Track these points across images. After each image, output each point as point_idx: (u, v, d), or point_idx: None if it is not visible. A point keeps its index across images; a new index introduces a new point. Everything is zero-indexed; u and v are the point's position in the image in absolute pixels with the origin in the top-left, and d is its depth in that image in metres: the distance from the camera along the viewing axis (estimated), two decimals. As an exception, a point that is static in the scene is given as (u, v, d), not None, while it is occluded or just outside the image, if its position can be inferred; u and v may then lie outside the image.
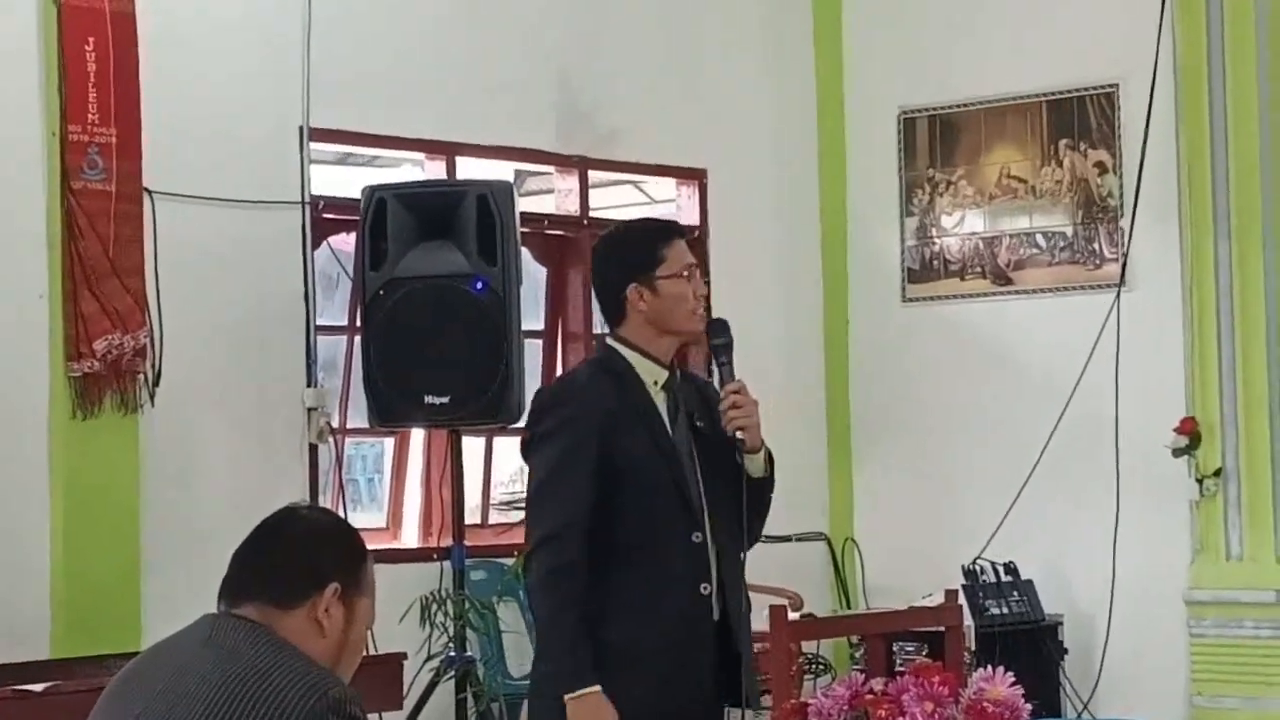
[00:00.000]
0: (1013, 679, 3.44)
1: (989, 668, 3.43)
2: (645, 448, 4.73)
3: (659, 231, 4.98)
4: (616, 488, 4.69)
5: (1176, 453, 8.67)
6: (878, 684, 3.43)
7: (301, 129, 7.75)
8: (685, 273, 4.82)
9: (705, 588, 4.70)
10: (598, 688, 4.57)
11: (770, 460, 4.82)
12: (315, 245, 7.86)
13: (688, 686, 4.68)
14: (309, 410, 7.71)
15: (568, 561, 4.64)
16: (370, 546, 3.45)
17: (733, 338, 4.93)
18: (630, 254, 4.87)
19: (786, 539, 9.19)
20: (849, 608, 9.38)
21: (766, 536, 9.18)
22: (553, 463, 4.69)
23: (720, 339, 4.89)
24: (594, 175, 9.03)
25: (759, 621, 7.18)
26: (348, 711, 3.12)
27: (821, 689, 3.62)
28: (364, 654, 3.38)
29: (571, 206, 8.86)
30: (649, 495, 4.70)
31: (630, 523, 4.69)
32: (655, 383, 4.82)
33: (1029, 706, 3.38)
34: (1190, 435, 8.67)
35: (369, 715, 3.25)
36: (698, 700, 4.73)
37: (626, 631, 4.65)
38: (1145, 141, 8.92)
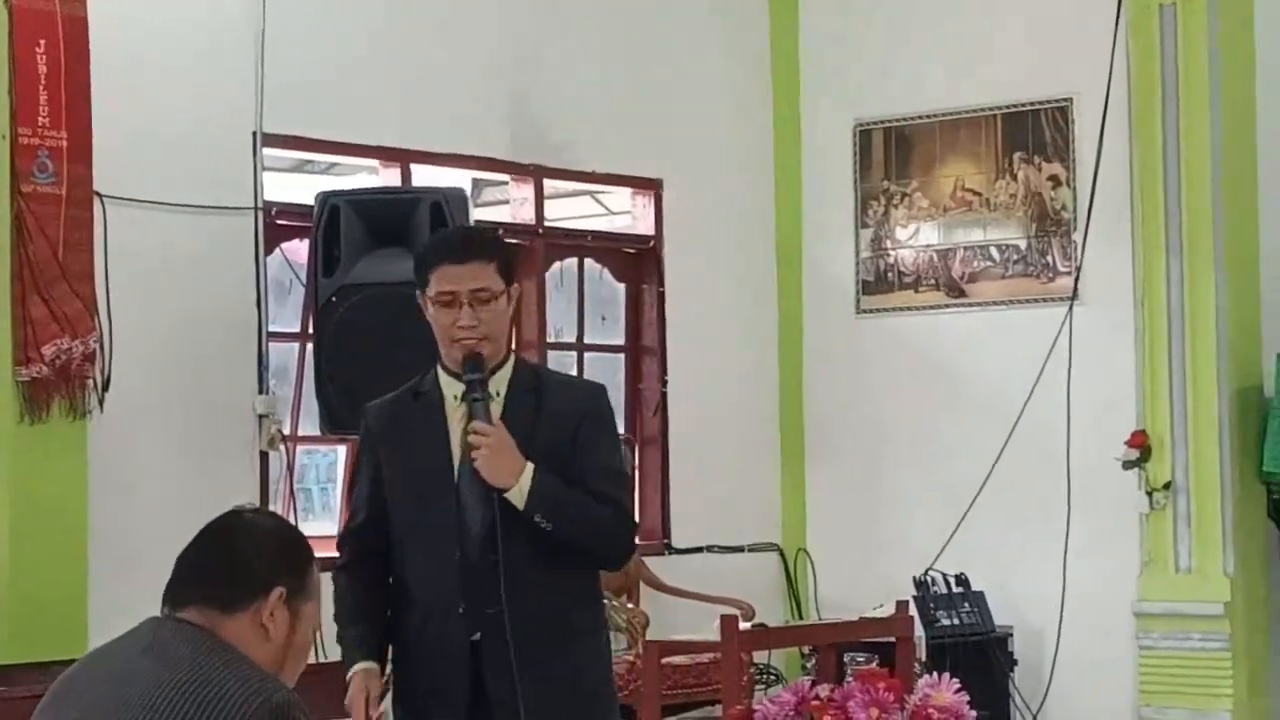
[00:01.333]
0: (958, 685, 3.44)
1: (935, 675, 3.43)
2: (418, 464, 4.66)
3: (430, 252, 4.77)
4: (391, 503, 4.69)
5: (1127, 466, 8.71)
6: (824, 690, 3.42)
7: (255, 134, 7.72)
8: (441, 301, 4.62)
9: (461, 607, 4.58)
10: (355, 669, 4.63)
11: (544, 498, 4.55)
12: (268, 251, 7.84)
13: (442, 711, 4.63)
14: (260, 417, 7.67)
15: (340, 564, 4.75)
16: (321, 554, 3.43)
17: (485, 377, 4.60)
18: (416, 267, 4.75)
19: (739, 549, 9.22)
20: (801, 618, 9.39)
21: (719, 547, 9.30)
22: (350, 474, 4.76)
23: (469, 375, 4.61)
24: (552, 186, 9.03)
25: (710, 631, 7.21)
26: (291, 716, 3.10)
27: (768, 696, 3.61)
28: (310, 660, 3.35)
29: (526, 215, 8.86)
30: (413, 510, 4.65)
31: (397, 534, 4.68)
32: (455, 397, 4.67)
33: (975, 714, 3.39)
34: (1141, 449, 8.70)
35: (313, 721, 3.22)
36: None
37: (398, 633, 4.71)
38: (1099, 156, 8.97)
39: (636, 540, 5.01)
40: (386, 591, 4.71)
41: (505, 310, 4.66)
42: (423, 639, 4.64)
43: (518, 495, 4.53)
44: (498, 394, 4.65)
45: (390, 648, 4.72)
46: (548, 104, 8.84)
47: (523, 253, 8.73)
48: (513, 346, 4.84)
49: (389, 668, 4.74)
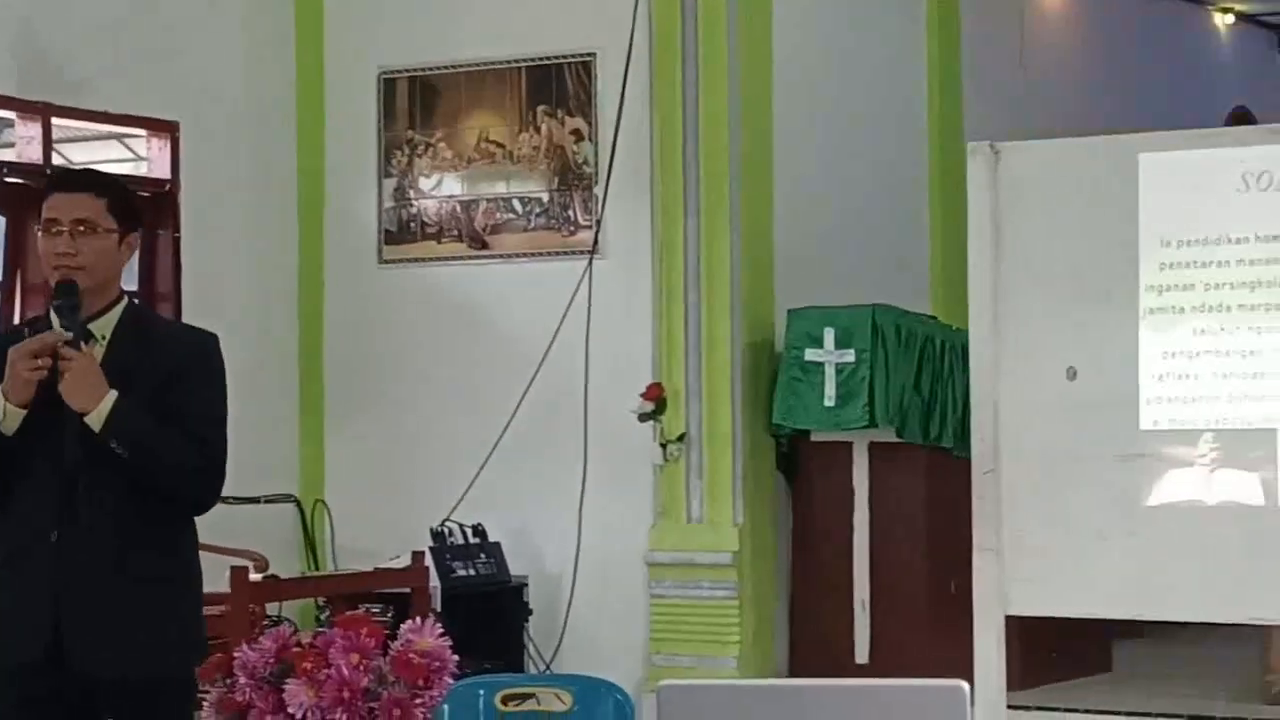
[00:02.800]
0: (441, 630, 3.43)
1: (418, 620, 3.41)
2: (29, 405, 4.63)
3: (46, 186, 4.92)
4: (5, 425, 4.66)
5: (642, 418, 8.85)
6: (305, 637, 3.38)
7: None
8: (45, 228, 4.72)
9: (54, 533, 4.60)
10: None
11: (122, 425, 4.59)
12: None
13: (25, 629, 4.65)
14: None
15: None
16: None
17: (78, 302, 4.65)
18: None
19: (255, 500, 9.07)
20: (317, 570, 9.31)
21: (234, 498, 9.10)
22: None
23: (57, 300, 4.68)
24: (75, 128, 8.74)
25: (220, 583, 7.09)
26: None
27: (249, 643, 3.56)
28: None
29: (34, 155, 8.55)
30: (21, 437, 4.63)
31: (12, 457, 4.66)
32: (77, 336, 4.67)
33: (457, 658, 3.38)
34: (656, 401, 8.85)
35: None
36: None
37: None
38: (620, 112, 9.06)
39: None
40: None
41: (113, 250, 4.72)
42: (12, 560, 4.67)
43: (95, 419, 4.56)
44: (103, 337, 4.69)
45: None
46: (58, 41, 8.55)
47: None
48: (122, 290, 4.83)
49: None
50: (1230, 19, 14.34)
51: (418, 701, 3.44)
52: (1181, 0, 13.73)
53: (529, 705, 4.31)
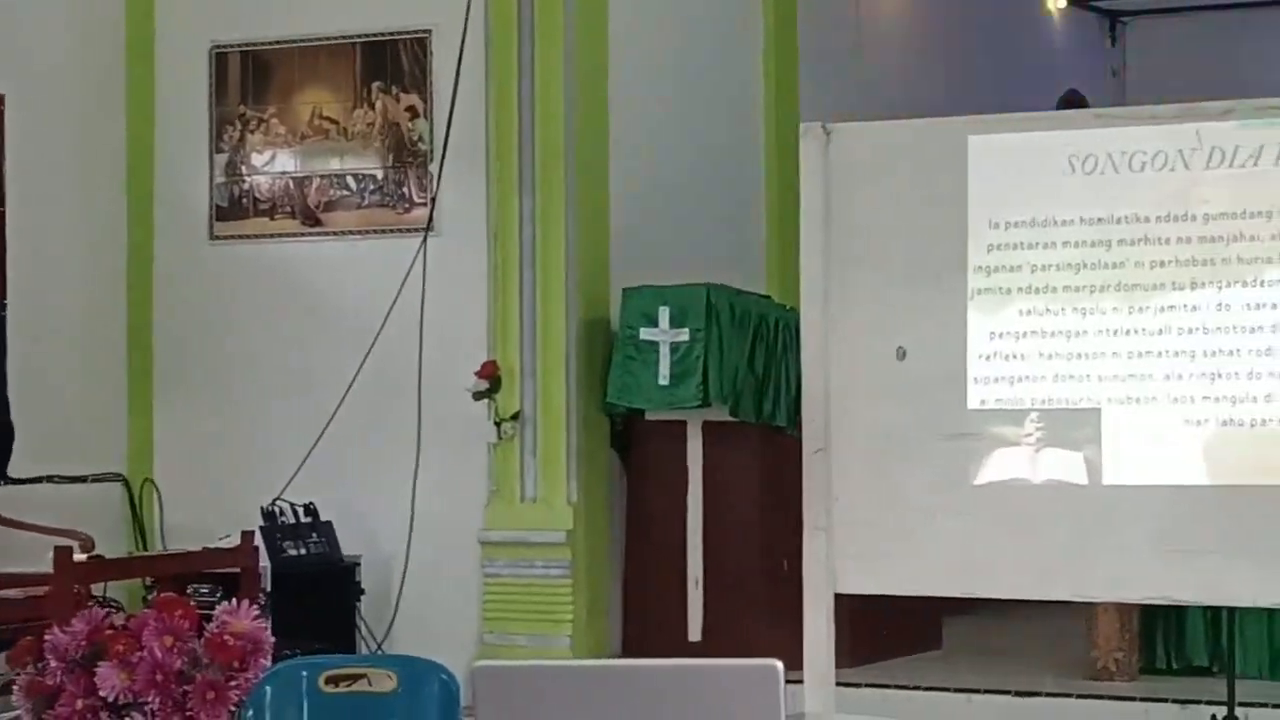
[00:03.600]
0: (256, 613, 3.39)
1: (234, 602, 3.37)
2: None
3: None
4: None
5: (477, 396, 8.82)
6: (119, 619, 3.33)
7: None
8: None
9: None
10: None
11: None
12: None
13: None
14: None
15: None
16: None
17: None
18: None
19: (81, 479, 8.93)
20: (145, 549, 9.19)
21: (60, 477, 8.97)
22: None
23: None
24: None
25: (44, 564, 6.98)
26: None
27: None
28: None
29: None
30: None
31: None
32: None
33: (274, 640, 3.34)
34: (491, 379, 8.82)
35: None
36: None
37: None
38: (455, 89, 9.01)
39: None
40: None
41: None
42: None
43: None
44: None
45: None
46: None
47: None
48: None
49: None
50: (1062, 4, 14.51)
51: (232, 684, 3.40)
52: (1015, -16, 13.87)
53: (360, 686, 4.27)
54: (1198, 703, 7.56)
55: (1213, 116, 5.96)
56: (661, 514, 8.91)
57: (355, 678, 4.27)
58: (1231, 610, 7.15)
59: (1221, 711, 7.19)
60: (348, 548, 8.85)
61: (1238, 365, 5.84)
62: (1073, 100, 14.22)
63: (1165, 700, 7.77)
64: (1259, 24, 14.62)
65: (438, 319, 8.97)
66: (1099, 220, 6.00)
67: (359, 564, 8.87)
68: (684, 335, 8.65)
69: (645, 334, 8.72)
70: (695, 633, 8.74)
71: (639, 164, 9.38)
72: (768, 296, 9.49)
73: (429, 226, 9.08)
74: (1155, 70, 14.82)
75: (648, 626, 8.91)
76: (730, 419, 8.74)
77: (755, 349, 8.83)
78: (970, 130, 6.22)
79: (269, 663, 3.52)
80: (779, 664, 2.57)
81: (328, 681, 4.18)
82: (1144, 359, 5.93)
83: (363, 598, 8.83)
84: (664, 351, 8.68)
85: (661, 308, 8.71)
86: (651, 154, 9.56)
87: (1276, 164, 5.85)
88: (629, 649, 8.92)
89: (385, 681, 4.26)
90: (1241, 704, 7.21)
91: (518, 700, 2.44)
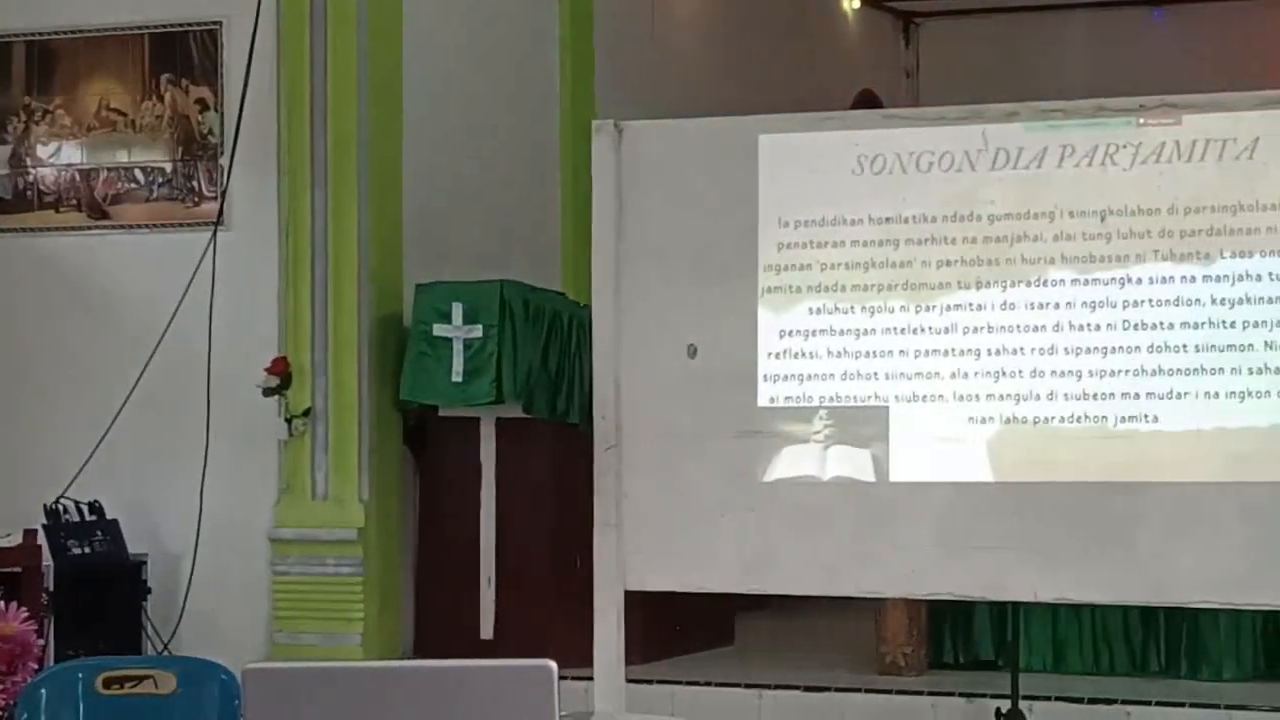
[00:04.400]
0: (26, 615, 3.32)
1: (7, 603, 3.30)
2: None
3: None
4: None
5: (267, 393, 8.72)
6: (-117, 622, 3.24)
7: None
8: None
9: None
10: None
11: None
12: None
13: None
14: None
15: None
16: None
17: None
18: None
19: None
20: (-75, 549, 8.97)
21: None
22: None
23: None
24: None
25: None
26: None
27: None
28: None
29: None
30: None
31: None
32: None
33: (41, 642, 3.27)
34: (281, 375, 8.73)
35: None
36: None
37: None
38: (246, 81, 8.90)
39: None
40: None
41: None
42: None
43: None
44: None
45: None
46: None
47: None
48: None
49: None
50: (856, 4, 14.65)
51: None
52: (810, -16, 13.99)
53: (145, 688, 4.21)
54: (983, 696, 7.67)
55: (998, 119, 6.04)
56: (454, 511, 8.87)
57: (138, 679, 4.20)
58: (1016, 605, 7.26)
59: (1006, 705, 7.30)
60: (134, 546, 8.71)
61: (1021, 364, 5.92)
62: (867, 100, 14.37)
63: (952, 694, 7.88)
64: (1050, 27, 14.87)
65: (228, 314, 8.85)
66: (887, 220, 6.06)
67: (145, 563, 8.73)
68: (477, 332, 8.62)
69: (438, 330, 8.68)
70: (488, 631, 8.70)
71: (434, 158, 9.33)
72: (562, 293, 9.48)
73: (219, 220, 8.96)
74: (948, 71, 15.03)
75: (440, 624, 8.87)
76: (524, 416, 8.72)
77: (549, 346, 8.82)
78: (761, 129, 6.25)
79: (38, 666, 3.45)
80: (553, 664, 2.55)
81: (106, 683, 4.11)
82: (930, 357, 6.00)
83: (149, 597, 8.69)
84: (457, 348, 8.64)
85: (455, 304, 8.67)
86: (446, 148, 9.51)
87: (1060, 166, 5.94)
88: (421, 647, 8.87)
89: (167, 683, 4.20)
90: (1025, 697, 7.33)
91: (288, 702, 2.40)
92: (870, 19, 14.95)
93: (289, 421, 8.73)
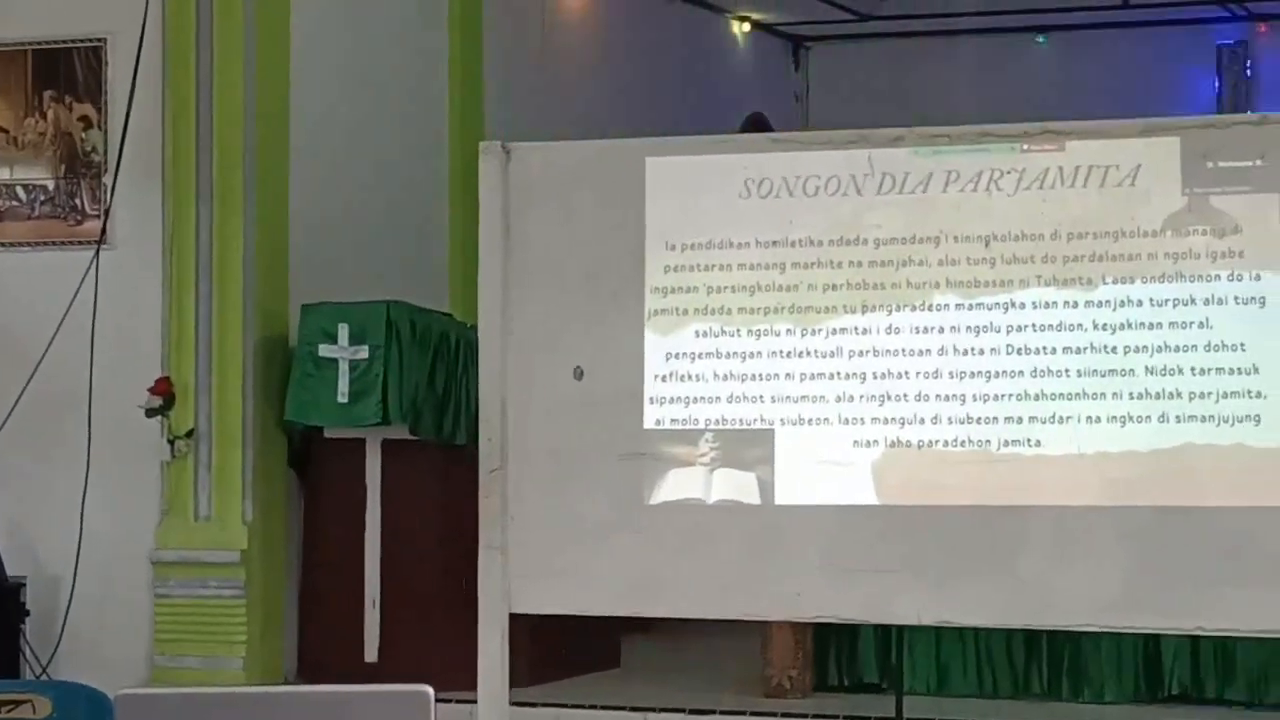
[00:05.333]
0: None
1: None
2: None
3: None
4: None
5: (150, 413, 8.65)
6: None
7: None
8: None
9: None
10: None
11: None
12: None
13: None
14: None
15: None
16: None
17: None
18: None
19: None
20: None
21: None
22: None
23: None
24: None
25: None
26: None
27: None
28: None
29: None
30: None
31: None
32: None
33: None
34: (165, 396, 8.66)
35: None
36: None
37: None
38: (131, 99, 8.83)
39: None
40: None
41: None
42: None
43: None
44: None
45: None
46: None
47: None
48: None
49: None
50: (747, 27, 14.71)
51: None
52: (700, 7, 14.02)
53: (19, 713, 4.16)
54: (868, 719, 7.69)
55: (885, 144, 6.08)
56: (339, 533, 8.81)
57: (14, 704, 4.15)
58: (900, 628, 7.29)
59: (890, 727, 7.33)
60: (13, 568, 8.60)
61: (906, 388, 5.96)
62: (757, 123, 14.40)
63: (837, 717, 7.90)
64: (938, 52, 14.98)
65: (111, 333, 8.77)
66: (774, 243, 6.08)
67: (24, 585, 8.63)
68: (363, 352, 8.57)
69: (324, 351, 8.63)
70: (372, 654, 8.65)
71: (321, 177, 9.28)
72: (450, 314, 9.45)
73: (102, 239, 8.88)
74: (837, 96, 15.12)
75: (324, 647, 8.80)
76: (410, 437, 8.68)
77: (436, 367, 8.78)
78: (648, 152, 6.26)
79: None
80: (429, 690, 2.53)
81: (-23, 709, 4.05)
82: (816, 380, 6.03)
83: (28, 620, 8.58)
84: (343, 369, 8.59)
85: (341, 324, 8.62)
86: (334, 168, 9.47)
87: (945, 191, 5.98)
88: (304, 671, 8.80)
89: (43, 707, 4.15)
90: (909, 719, 7.36)
91: (161, 729, 2.37)
92: (760, 42, 15.02)
93: (172, 442, 8.65)
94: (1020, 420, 5.85)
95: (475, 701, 6.23)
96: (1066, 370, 5.82)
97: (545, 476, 6.25)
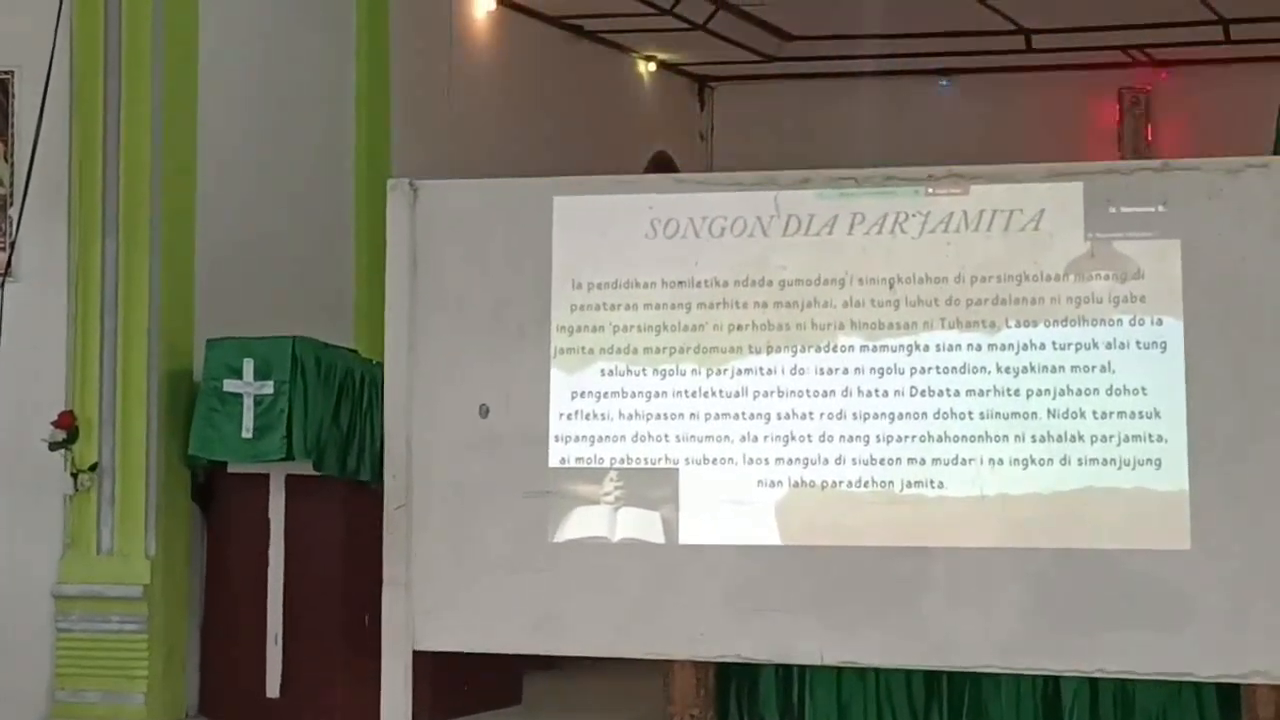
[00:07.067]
0: None
1: None
2: None
3: None
4: None
5: (53, 446, 8.58)
6: None
7: None
8: None
9: None
10: None
11: None
12: None
13: None
14: None
15: None
16: None
17: None
18: None
19: None
20: None
21: None
22: None
23: None
24: None
25: None
26: None
27: None
28: None
29: None
30: None
31: None
32: None
33: None
34: (68, 429, 8.60)
35: None
36: None
37: None
38: (38, 132, 8.77)
39: None
40: None
41: None
42: None
43: None
44: None
45: None
46: None
47: None
48: None
49: None
50: (653, 67, 14.78)
51: None
52: (606, 46, 14.07)
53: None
54: (769, 756, 7.72)
55: (791, 185, 6.14)
56: (242, 568, 8.77)
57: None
58: (802, 667, 7.33)
59: (791, 765, 7.36)
60: (-88, 602, 8.53)
61: (810, 428, 6.01)
62: (662, 162, 14.49)
63: (738, 755, 7.91)
64: (843, 93, 15.08)
65: (14, 366, 8.69)
66: (679, 283, 6.13)
67: (-79, 621, 8.55)
68: (268, 388, 8.55)
69: (229, 385, 8.61)
70: (274, 689, 8.61)
71: (228, 212, 9.25)
72: (355, 351, 9.43)
73: (6, 271, 8.82)
74: (741, 134, 15.20)
75: (226, 683, 8.76)
76: (314, 473, 8.66)
77: (341, 403, 8.76)
78: (555, 191, 6.31)
79: None
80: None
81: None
82: (721, 420, 6.08)
83: (-74, 654, 8.51)
84: (248, 404, 8.57)
85: (246, 360, 8.60)
86: (241, 203, 9.44)
87: (850, 233, 6.04)
88: (206, 706, 8.75)
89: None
90: (810, 758, 7.39)
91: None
92: (665, 81, 15.08)
93: (75, 476, 8.60)
94: (923, 461, 5.92)
95: (378, 738, 6.23)
96: (970, 412, 5.89)
97: (450, 514, 6.27)
